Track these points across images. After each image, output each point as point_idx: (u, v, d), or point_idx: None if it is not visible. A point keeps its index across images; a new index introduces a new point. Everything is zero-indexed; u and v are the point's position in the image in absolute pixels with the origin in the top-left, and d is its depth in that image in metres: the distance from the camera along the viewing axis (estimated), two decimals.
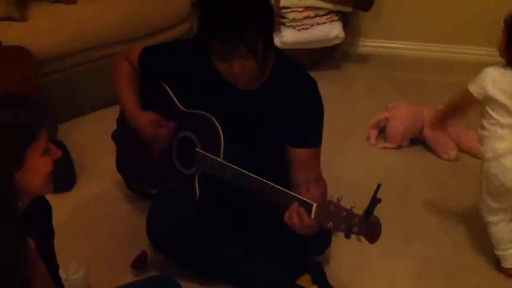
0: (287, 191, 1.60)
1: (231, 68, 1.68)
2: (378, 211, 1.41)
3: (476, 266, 2.19)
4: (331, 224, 1.47)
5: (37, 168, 1.25)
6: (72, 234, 2.27)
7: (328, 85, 3.36)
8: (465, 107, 2.18)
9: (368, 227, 1.42)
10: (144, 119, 1.96)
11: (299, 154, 1.86)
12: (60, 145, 2.44)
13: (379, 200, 1.37)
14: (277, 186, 1.62)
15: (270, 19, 1.71)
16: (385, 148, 2.94)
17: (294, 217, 1.56)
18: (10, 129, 1.20)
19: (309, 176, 1.82)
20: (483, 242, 2.29)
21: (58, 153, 1.30)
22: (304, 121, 1.84)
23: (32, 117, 1.26)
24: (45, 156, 1.27)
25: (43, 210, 1.47)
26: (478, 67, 3.74)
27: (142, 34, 3.18)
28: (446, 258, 2.22)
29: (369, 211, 1.39)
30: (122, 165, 2.33)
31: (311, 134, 1.88)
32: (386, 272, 2.16)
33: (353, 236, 1.45)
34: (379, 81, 3.67)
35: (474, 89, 2.06)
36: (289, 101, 1.82)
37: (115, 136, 2.33)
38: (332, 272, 2.12)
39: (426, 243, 2.30)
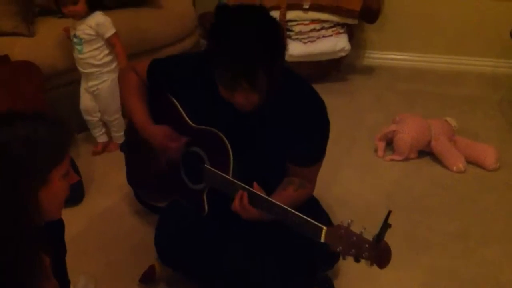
0: (294, 212, 1.59)
1: (233, 98, 1.68)
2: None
3: (485, 278, 2.18)
4: (340, 248, 1.46)
5: (56, 190, 1.24)
6: (81, 249, 2.27)
7: (334, 98, 3.38)
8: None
9: (378, 253, 1.41)
10: (157, 131, 1.95)
11: (298, 170, 1.88)
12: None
13: (390, 226, 1.37)
14: (285, 207, 1.61)
15: (278, 57, 1.66)
16: (393, 160, 2.94)
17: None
18: (43, 145, 1.20)
19: (294, 179, 1.86)
20: (492, 254, 2.28)
21: (75, 178, 1.30)
22: (309, 144, 1.85)
23: (64, 137, 1.26)
24: (64, 179, 1.27)
25: (56, 226, 1.47)
26: (484, 78, 3.83)
27: (148, 48, 3.19)
28: (454, 269, 2.21)
29: (380, 237, 1.39)
30: (131, 176, 2.33)
31: (313, 156, 1.89)
32: (394, 284, 2.15)
33: (363, 261, 1.45)
34: (386, 93, 3.67)
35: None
36: (295, 122, 1.81)
37: (124, 147, 2.33)
38: (342, 286, 2.11)
39: (434, 255, 2.29)
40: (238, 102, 1.70)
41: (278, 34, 1.66)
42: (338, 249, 1.47)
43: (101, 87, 2.80)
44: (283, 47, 1.68)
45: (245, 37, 1.58)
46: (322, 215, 2.07)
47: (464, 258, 2.27)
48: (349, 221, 1.46)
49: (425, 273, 2.20)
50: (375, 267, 1.45)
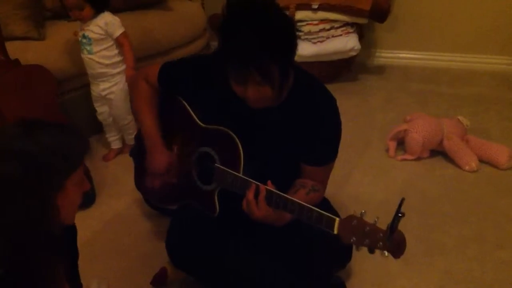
0: (308, 205, 1.58)
1: (246, 92, 1.68)
2: (399, 225, 1.39)
3: (500, 281, 2.15)
4: (354, 239, 1.45)
5: (70, 197, 1.25)
6: (92, 252, 2.28)
7: (345, 98, 3.37)
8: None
9: (392, 242, 1.39)
10: (163, 157, 2.00)
11: (310, 169, 1.87)
12: None
13: (403, 214, 1.35)
14: (298, 201, 1.61)
15: (291, 49, 1.66)
16: (405, 160, 2.92)
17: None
18: (61, 153, 1.21)
19: (306, 182, 1.85)
20: (508, 256, 2.25)
21: (87, 185, 1.31)
22: (321, 143, 1.84)
23: (80, 145, 1.28)
24: (78, 187, 1.28)
25: (69, 231, 1.48)
26: (497, 76, 3.79)
27: (159, 51, 3.21)
28: (469, 273, 2.18)
29: (394, 225, 1.37)
30: (140, 181, 2.33)
31: (325, 155, 1.88)
32: None
33: (377, 251, 1.43)
34: (397, 92, 3.65)
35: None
36: (307, 120, 1.81)
37: (134, 153, 2.34)
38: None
39: (449, 258, 2.26)
40: (251, 97, 1.69)
41: (287, 24, 1.66)
42: (351, 240, 1.45)
43: (114, 90, 2.81)
44: (294, 37, 1.68)
45: (254, 27, 1.58)
46: (333, 214, 2.06)
47: (480, 262, 2.25)
48: (362, 211, 1.45)
49: (440, 276, 2.17)
50: (388, 262, 1.43)
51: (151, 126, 2.03)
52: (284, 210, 1.65)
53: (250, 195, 1.68)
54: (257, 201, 1.67)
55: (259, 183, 1.69)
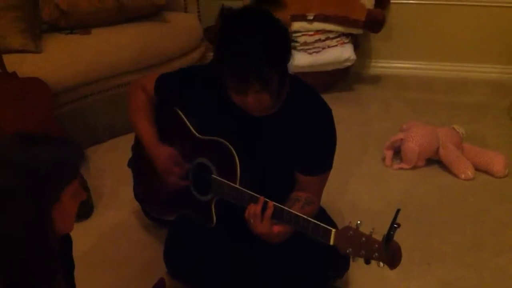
0: (304, 216, 1.59)
1: (245, 101, 1.69)
2: (397, 233, 1.40)
3: None
4: (350, 250, 1.45)
5: (67, 209, 1.26)
6: (90, 264, 2.27)
7: (341, 107, 3.38)
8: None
9: (388, 253, 1.40)
10: (162, 154, 1.95)
11: (304, 179, 1.88)
12: None
13: (399, 225, 1.36)
14: (295, 212, 1.61)
15: (287, 55, 1.69)
16: (401, 169, 2.93)
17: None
18: (56, 165, 1.21)
19: (300, 195, 1.84)
20: (505, 263, 2.26)
21: (83, 195, 1.32)
22: (316, 153, 1.85)
23: (74, 157, 1.28)
24: (74, 197, 1.28)
25: (63, 241, 1.48)
26: (491, 85, 3.81)
27: (155, 63, 3.21)
28: (467, 280, 2.19)
29: (389, 236, 1.38)
30: (138, 192, 2.34)
31: (320, 165, 1.89)
32: None
33: (373, 262, 1.43)
34: (393, 102, 3.66)
35: None
36: (303, 131, 1.82)
37: (131, 163, 2.34)
38: None
39: (446, 265, 2.27)
40: (251, 106, 1.71)
41: (283, 31, 1.68)
42: (348, 251, 1.46)
43: None
44: (289, 42, 1.70)
45: (252, 37, 1.59)
46: (328, 223, 2.07)
47: (477, 269, 2.25)
48: (358, 222, 1.46)
49: (437, 284, 2.17)
50: (386, 270, 1.44)
51: (149, 135, 2.01)
52: (280, 221, 1.65)
53: (258, 208, 1.67)
54: (256, 210, 1.67)
55: (254, 194, 1.69)
